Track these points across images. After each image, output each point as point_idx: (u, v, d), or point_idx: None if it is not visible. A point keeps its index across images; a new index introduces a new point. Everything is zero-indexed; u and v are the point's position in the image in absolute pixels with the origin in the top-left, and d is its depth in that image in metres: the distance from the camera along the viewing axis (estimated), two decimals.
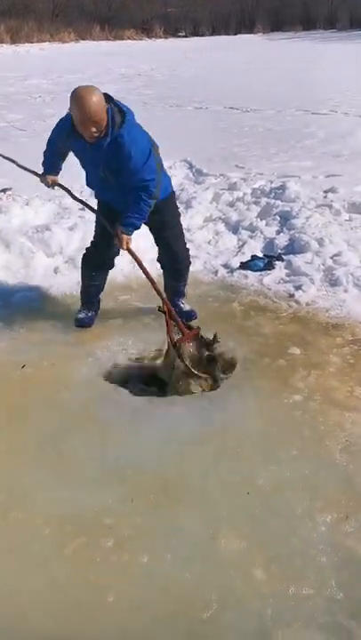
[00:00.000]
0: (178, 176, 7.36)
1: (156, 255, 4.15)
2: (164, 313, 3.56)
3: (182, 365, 3.37)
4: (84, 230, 5.26)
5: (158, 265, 4.19)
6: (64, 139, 3.62)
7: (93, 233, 4.09)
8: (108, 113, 3.35)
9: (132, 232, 3.63)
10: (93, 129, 3.33)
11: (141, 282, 4.09)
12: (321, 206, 6.16)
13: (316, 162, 8.39)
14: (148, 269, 3.72)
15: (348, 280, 4.58)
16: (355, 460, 2.81)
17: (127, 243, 3.61)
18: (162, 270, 4.21)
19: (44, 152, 3.91)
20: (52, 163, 3.92)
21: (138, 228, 3.65)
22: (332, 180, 7.27)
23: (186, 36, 48.77)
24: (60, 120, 3.67)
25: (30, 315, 4.25)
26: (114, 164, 3.50)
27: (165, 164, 4.11)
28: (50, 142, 3.82)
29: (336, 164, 8.21)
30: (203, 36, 49.70)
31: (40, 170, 3.99)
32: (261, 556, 2.30)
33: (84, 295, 4.20)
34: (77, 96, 3.27)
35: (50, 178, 3.95)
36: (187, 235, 4.45)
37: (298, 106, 13.20)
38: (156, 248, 4.11)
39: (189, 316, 4.12)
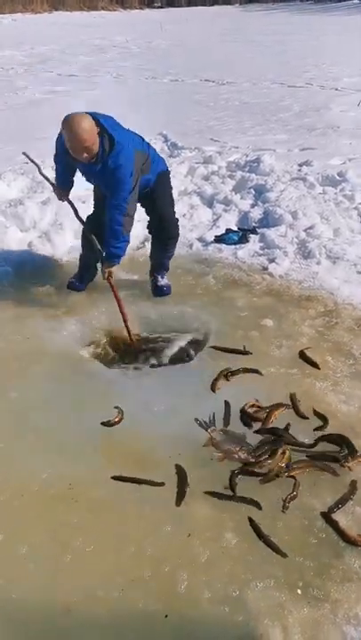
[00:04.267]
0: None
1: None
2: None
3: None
4: (57, 205, 5.21)
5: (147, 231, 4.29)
6: (67, 152, 3.62)
7: (93, 203, 4.17)
8: (100, 139, 3.43)
9: (118, 261, 3.78)
10: (85, 155, 3.44)
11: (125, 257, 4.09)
12: (295, 179, 6.18)
13: (290, 135, 8.39)
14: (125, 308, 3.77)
15: (321, 252, 4.63)
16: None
17: (108, 275, 3.75)
18: (151, 238, 4.28)
19: (56, 167, 4.01)
20: (64, 178, 4.00)
21: (120, 255, 3.76)
22: (306, 154, 7.29)
23: (161, 7, 47.92)
24: (61, 135, 3.68)
25: (4, 289, 4.24)
26: (104, 185, 3.69)
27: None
28: (57, 157, 3.88)
29: (311, 138, 8.22)
30: (179, 6, 48.86)
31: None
32: (231, 520, 2.36)
33: (81, 261, 4.29)
34: (69, 124, 3.35)
35: (61, 193, 4.05)
36: None
37: (273, 79, 13.13)
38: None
39: (161, 291, 4.15)
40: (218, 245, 4.96)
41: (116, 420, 2.90)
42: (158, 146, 7.68)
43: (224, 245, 4.95)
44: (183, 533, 2.30)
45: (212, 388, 3.15)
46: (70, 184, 4.03)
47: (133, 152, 3.57)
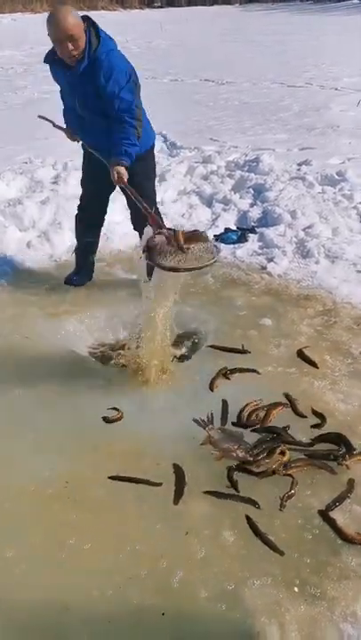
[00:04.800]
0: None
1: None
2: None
3: None
4: (56, 204, 5.24)
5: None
6: (52, 73, 3.47)
7: (81, 194, 4.10)
8: (87, 34, 3.25)
9: (128, 162, 3.44)
10: (70, 46, 3.23)
11: (122, 256, 4.09)
12: (294, 179, 6.18)
13: (290, 135, 8.38)
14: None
15: (320, 252, 4.63)
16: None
17: (121, 178, 3.43)
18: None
19: (63, 110, 3.82)
20: (70, 116, 3.77)
21: (131, 156, 3.44)
22: (305, 153, 7.29)
23: (161, 7, 47.89)
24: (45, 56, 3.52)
25: (3, 289, 4.24)
26: (91, 90, 3.37)
27: None
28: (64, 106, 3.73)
29: (310, 137, 8.22)
30: (179, 6, 48.84)
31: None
32: (229, 518, 2.36)
33: (77, 255, 4.28)
34: (52, 13, 3.19)
35: (73, 132, 3.81)
36: (160, 208, 4.44)
37: (273, 78, 13.12)
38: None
39: None
40: (217, 244, 4.95)
41: (117, 416, 2.91)
42: (157, 145, 7.66)
43: (223, 245, 4.94)
44: (181, 531, 2.30)
45: (211, 387, 3.16)
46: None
47: (131, 66, 3.37)
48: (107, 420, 2.90)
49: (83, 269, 4.28)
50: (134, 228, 4.03)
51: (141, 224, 3.39)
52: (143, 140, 3.59)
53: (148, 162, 3.85)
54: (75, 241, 4.32)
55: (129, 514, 2.40)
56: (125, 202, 3.89)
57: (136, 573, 2.14)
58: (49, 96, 11.31)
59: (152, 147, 3.86)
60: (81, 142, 3.83)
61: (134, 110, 3.38)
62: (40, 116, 4.00)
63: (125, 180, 3.44)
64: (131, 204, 3.78)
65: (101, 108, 3.43)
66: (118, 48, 3.46)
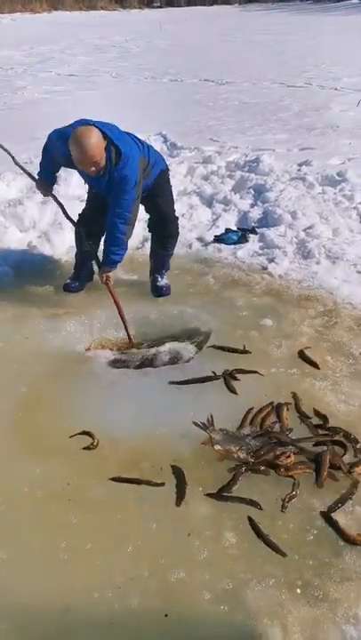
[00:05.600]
0: None
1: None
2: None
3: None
4: (56, 205, 5.21)
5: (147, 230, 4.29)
6: (63, 154, 3.55)
7: (87, 201, 4.17)
8: (107, 152, 3.41)
9: (115, 267, 3.78)
10: (93, 169, 3.42)
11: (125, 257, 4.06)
12: (295, 179, 6.18)
13: (290, 135, 8.38)
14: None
15: (321, 252, 4.63)
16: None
17: (107, 279, 3.75)
18: (150, 237, 4.28)
19: (41, 161, 3.90)
20: (49, 172, 3.95)
21: (119, 262, 3.77)
22: (305, 154, 7.28)
23: (161, 7, 47.91)
24: (57, 132, 3.64)
25: (3, 289, 4.24)
26: (109, 194, 3.65)
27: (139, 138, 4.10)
28: (46, 150, 3.80)
29: (310, 137, 8.22)
30: (178, 6, 48.85)
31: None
32: (231, 519, 2.36)
33: (76, 261, 4.30)
34: (77, 139, 3.30)
35: (45, 187, 4.00)
36: None
37: (273, 78, 13.12)
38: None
39: (160, 291, 4.16)
40: (217, 245, 4.96)
41: (94, 443, 2.77)
42: (158, 146, 7.68)
43: (223, 245, 4.95)
44: (183, 533, 2.30)
45: (230, 389, 3.15)
46: (54, 180, 4.01)
47: (138, 161, 3.56)
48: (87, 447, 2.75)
49: (81, 276, 4.27)
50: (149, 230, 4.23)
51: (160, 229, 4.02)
52: (152, 174, 3.82)
53: (160, 187, 3.98)
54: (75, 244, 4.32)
55: (130, 514, 2.39)
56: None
57: (137, 574, 2.14)
58: (49, 96, 11.35)
59: (159, 174, 3.93)
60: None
61: (128, 217, 3.60)
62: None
63: (111, 283, 3.78)
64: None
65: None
66: (138, 155, 3.61)
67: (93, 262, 4.03)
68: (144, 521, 2.36)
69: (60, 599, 2.06)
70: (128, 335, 3.71)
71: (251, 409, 2.95)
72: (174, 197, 4.25)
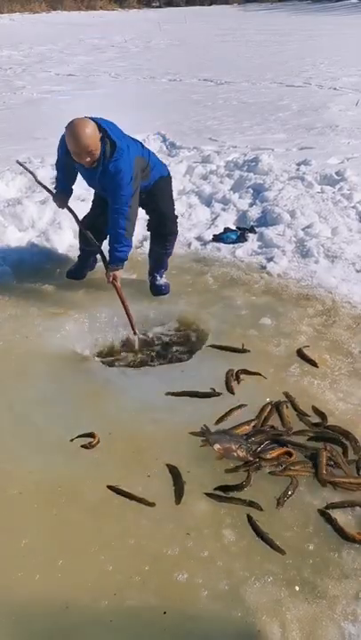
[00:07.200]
0: (151, 149, 7.29)
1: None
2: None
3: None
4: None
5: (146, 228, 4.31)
6: (67, 155, 3.64)
7: (92, 203, 4.21)
8: (102, 143, 3.46)
9: (122, 265, 3.79)
10: (88, 159, 3.48)
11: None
12: (293, 179, 6.19)
13: (289, 134, 8.38)
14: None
15: (319, 251, 4.64)
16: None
17: (113, 278, 3.76)
18: (150, 236, 4.30)
19: (57, 175, 4.05)
20: (65, 184, 4.02)
21: (124, 259, 3.78)
22: (304, 153, 7.28)
23: (160, 7, 47.86)
24: (62, 138, 3.70)
25: (3, 289, 4.23)
26: (104, 189, 3.72)
27: (138, 138, 4.14)
28: (58, 163, 3.91)
29: (309, 137, 8.22)
30: (177, 6, 48.82)
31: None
32: (230, 517, 2.37)
33: (81, 252, 4.34)
34: (72, 129, 3.38)
35: (62, 200, 4.04)
36: None
37: (272, 78, 13.12)
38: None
39: (159, 290, 4.16)
40: (216, 244, 4.96)
41: (93, 443, 2.77)
42: (157, 145, 7.70)
43: (222, 244, 4.96)
44: (182, 531, 2.30)
45: (230, 390, 3.15)
46: (70, 191, 4.06)
47: (134, 157, 3.60)
48: (86, 446, 2.76)
49: (84, 264, 4.35)
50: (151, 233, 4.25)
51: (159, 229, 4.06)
52: (152, 177, 3.87)
53: (160, 188, 4.01)
54: (74, 241, 4.33)
55: (129, 513, 2.40)
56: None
57: (137, 572, 2.14)
58: (49, 96, 11.35)
59: (159, 178, 3.97)
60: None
61: (126, 211, 3.61)
62: (19, 163, 4.25)
63: (118, 282, 3.79)
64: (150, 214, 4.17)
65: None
66: (132, 150, 3.64)
67: (98, 255, 4.06)
68: (143, 519, 2.37)
69: (60, 597, 2.07)
70: (133, 329, 3.74)
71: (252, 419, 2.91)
72: (174, 197, 4.25)
